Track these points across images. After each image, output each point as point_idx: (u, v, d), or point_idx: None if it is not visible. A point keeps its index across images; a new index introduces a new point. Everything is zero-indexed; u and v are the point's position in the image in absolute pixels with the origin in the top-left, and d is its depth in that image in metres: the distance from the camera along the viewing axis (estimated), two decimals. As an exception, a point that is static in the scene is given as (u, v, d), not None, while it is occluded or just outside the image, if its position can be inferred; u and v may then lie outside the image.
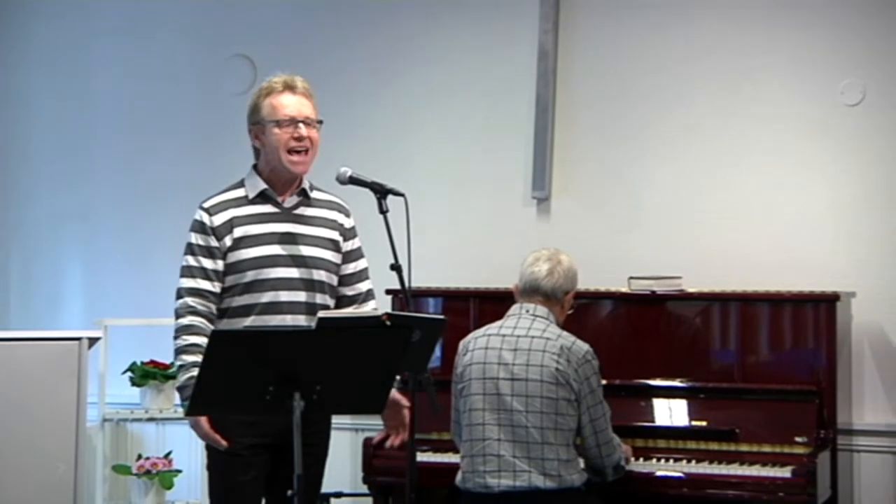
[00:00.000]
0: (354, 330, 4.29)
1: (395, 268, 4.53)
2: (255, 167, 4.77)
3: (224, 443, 4.50)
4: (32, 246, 6.86)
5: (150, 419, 6.09)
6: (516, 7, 6.11)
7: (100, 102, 6.78)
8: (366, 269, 4.90)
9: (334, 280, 4.78)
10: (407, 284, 4.54)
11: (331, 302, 4.76)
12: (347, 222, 4.85)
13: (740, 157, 5.86)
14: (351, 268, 4.83)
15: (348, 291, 4.81)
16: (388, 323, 4.34)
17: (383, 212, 4.58)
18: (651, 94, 5.99)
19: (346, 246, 4.84)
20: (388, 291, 5.45)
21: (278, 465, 4.55)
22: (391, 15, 6.35)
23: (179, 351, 4.54)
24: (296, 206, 4.74)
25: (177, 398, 6.06)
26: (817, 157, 5.76)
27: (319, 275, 4.74)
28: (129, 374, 6.15)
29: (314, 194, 4.80)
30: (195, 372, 4.31)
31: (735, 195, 5.85)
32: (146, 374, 6.07)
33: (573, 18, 6.06)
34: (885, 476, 5.61)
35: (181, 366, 4.52)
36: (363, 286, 4.86)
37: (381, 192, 4.64)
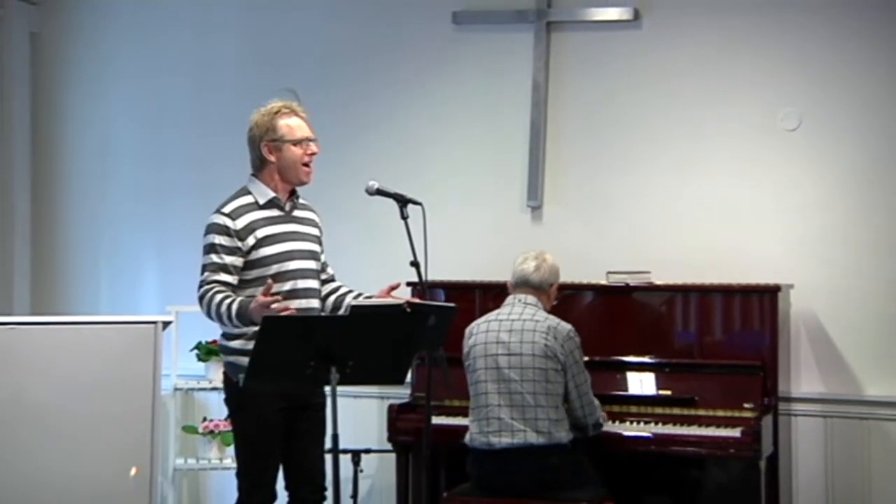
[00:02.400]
0: (381, 315, 4.36)
1: (414, 264, 4.59)
2: (254, 176, 4.75)
3: (292, 309, 4.42)
4: (117, 245, 6.88)
5: (213, 388, 6.09)
6: (514, 47, 6.11)
7: (172, 125, 6.79)
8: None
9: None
10: (424, 278, 4.61)
11: (323, 287, 4.84)
12: (319, 221, 4.89)
13: (699, 173, 5.87)
14: (323, 257, 4.88)
15: (323, 276, 4.85)
16: (408, 310, 4.42)
17: (404, 217, 4.64)
18: (626, 120, 5.99)
19: (322, 240, 4.90)
20: (408, 283, 5.47)
21: (293, 422, 4.63)
22: (412, 55, 6.36)
23: (219, 303, 4.46)
24: (292, 210, 4.77)
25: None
26: (762, 174, 5.77)
27: (317, 265, 4.79)
28: (195, 351, 6.21)
29: (300, 200, 4.82)
30: (239, 299, 4.43)
31: (695, 204, 5.87)
32: (210, 351, 6.11)
33: (562, 57, 6.08)
34: (816, 435, 5.63)
35: (229, 303, 4.45)
36: (330, 269, 4.92)
37: (403, 201, 4.69)
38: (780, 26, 5.77)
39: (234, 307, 4.45)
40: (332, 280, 4.92)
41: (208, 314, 4.59)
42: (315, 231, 4.83)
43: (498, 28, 6.19)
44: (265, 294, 4.32)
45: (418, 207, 4.67)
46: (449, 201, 6.01)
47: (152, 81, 6.85)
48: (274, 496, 4.76)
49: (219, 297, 4.51)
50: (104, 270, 6.90)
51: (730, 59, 5.84)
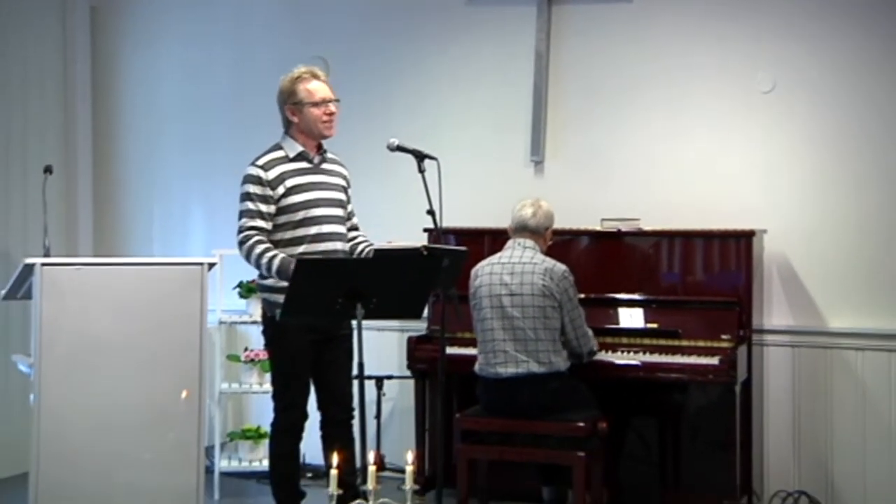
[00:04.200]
0: (401, 258, 4.40)
1: (430, 212, 4.60)
2: (286, 134, 4.80)
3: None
4: (168, 194, 6.90)
5: (253, 322, 6.10)
6: (519, 20, 6.09)
7: (215, 87, 6.78)
8: (353, 210, 4.96)
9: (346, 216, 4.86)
10: (439, 224, 4.62)
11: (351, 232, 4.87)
12: (348, 175, 4.91)
13: (683, 130, 5.85)
14: (349, 206, 4.91)
15: (347, 224, 4.88)
16: (425, 253, 4.44)
17: (421, 171, 4.64)
18: (619, 84, 5.97)
19: (349, 191, 4.91)
20: (425, 230, 5.48)
21: (321, 352, 4.68)
22: (430, 28, 6.34)
23: (261, 254, 4.54)
24: (320, 163, 4.80)
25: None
26: (740, 130, 5.75)
27: (342, 211, 4.81)
28: (237, 289, 6.23)
29: (328, 154, 4.86)
30: (280, 256, 4.47)
31: (680, 158, 5.85)
32: (250, 289, 6.12)
33: (561, 29, 6.04)
34: (785, 362, 5.64)
35: (271, 257, 4.52)
36: (355, 219, 4.96)
37: (420, 156, 4.70)
38: (756, -1, 5.76)
39: (276, 264, 4.51)
40: (354, 229, 4.94)
41: (247, 259, 4.64)
42: (341, 182, 4.85)
43: (505, 3, 6.16)
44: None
45: (434, 162, 4.68)
46: (461, 156, 5.99)
47: (197, 47, 6.84)
48: (305, 415, 4.82)
49: (260, 247, 4.56)
50: (156, 217, 6.92)
51: (711, 29, 5.81)
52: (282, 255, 4.50)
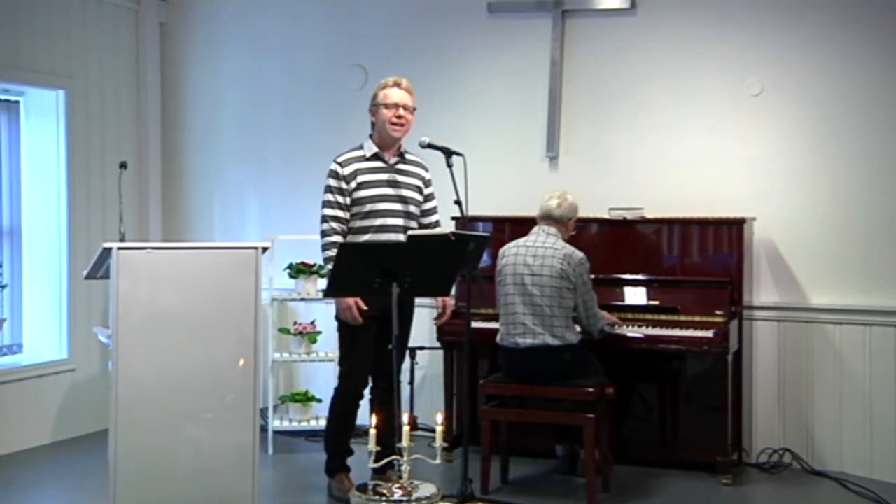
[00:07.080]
0: (431, 242, 4.39)
1: (457, 202, 4.61)
2: (370, 135, 4.85)
3: (360, 320, 4.63)
4: (228, 188, 6.89)
5: (302, 299, 6.16)
6: (536, 31, 6.08)
7: (268, 92, 6.76)
8: (436, 206, 4.98)
9: (418, 212, 4.86)
10: (465, 213, 4.62)
11: (415, 225, 4.85)
12: (427, 175, 4.93)
13: (682, 130, 5.83)
14: (427, 205, 4.92)
15: (424, 220, 4.91)
16: (452, 238, 4.44)
17: (449, 165, 4.66)
18: (624, 88, 5.95)
19: (426, 191, 4.92)
20: (452, 218, 5.49)
21: (383, 329, 4.66)
22: (457, 37, 6.33)
23: (329, 259, 4.65)
24: (396, 163, 4.82)
25: (320, 284, 6.18)
26: (732, 130, 5.73)
27: (410, 208, 4.82)
28: (287, 270, 6.24)
29: (407, 156, 4.88)
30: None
31: (679, 154, 5.83)
32: (299, 270, 6.14)
33: (574, 38, 6.03)
34: (771, 335, 5.63)
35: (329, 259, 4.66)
36: (433, 217, 4.97)
37: (448, 153, 4.71)
38: (744, 12, 5.70)
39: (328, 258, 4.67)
40: (434, 225, 4.96)
41: (322, 250, 4.76)
42: (417, 182, 4.88)
43: (523, 16, 6.14)
44: (356, 315, 4.67)
45: (461, 157, 4.68)
46: (485, 152, 5.99)
47: (252, 57, 6.84)
48: (365, 382, 4.87)
49: (328, 252, 4.68)
50: (217, 207, 6.93)
51: (706, 39, 5.79)
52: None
